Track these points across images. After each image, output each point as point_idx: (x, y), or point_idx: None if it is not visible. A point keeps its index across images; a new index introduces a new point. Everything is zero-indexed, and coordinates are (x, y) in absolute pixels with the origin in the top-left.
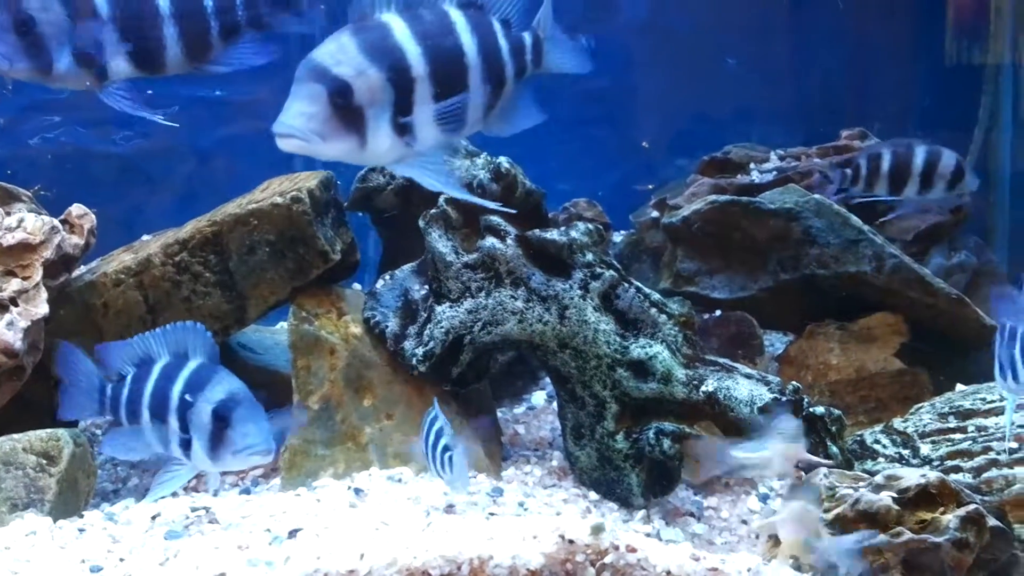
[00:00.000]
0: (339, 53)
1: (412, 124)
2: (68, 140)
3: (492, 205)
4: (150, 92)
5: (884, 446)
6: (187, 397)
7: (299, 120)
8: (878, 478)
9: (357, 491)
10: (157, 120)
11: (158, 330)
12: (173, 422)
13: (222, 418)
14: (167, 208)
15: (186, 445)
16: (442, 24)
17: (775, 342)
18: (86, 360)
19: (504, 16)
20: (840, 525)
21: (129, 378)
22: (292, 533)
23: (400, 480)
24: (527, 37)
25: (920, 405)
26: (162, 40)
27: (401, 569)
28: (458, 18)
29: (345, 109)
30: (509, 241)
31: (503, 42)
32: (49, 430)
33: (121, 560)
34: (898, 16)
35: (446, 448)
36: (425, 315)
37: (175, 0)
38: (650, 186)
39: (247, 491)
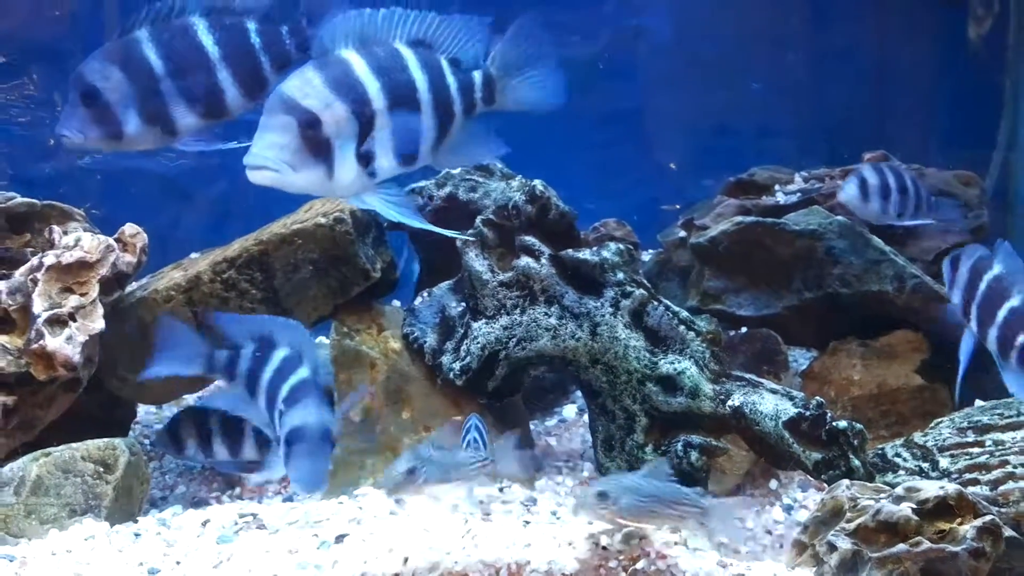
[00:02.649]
0: (306, 87)
1: (373, 155)
2: (116, 160)
3: (450, 233)
4: None
5: (904, 459)
6: (282, 407)
7: (271, 151)
8: (898, 490)
9: (397, 500)
10: (233, 146)
11: (279, 319)
12: (276, 422)
13: (288, 443)
14: (213, 226)
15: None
16: (396, 60)
17: (799, 358)
18: (187, 328)
19: (452, 55)
20: (862, 535)
21: (249, 351)
22: (339, 538)
23: None
24: (477, 76)
25: (939, 420)
26: (219, 85)
27: (443, 573)
28: (409, 55)
29: (314, 140)
30: (543, 260)
31: (451, 79)
32: (106, 440)
33: (177, 563)
34: (919, 39)
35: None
36: (462, 331)
37: (224, 45)
38: (677, 206)
39: (290, 499)
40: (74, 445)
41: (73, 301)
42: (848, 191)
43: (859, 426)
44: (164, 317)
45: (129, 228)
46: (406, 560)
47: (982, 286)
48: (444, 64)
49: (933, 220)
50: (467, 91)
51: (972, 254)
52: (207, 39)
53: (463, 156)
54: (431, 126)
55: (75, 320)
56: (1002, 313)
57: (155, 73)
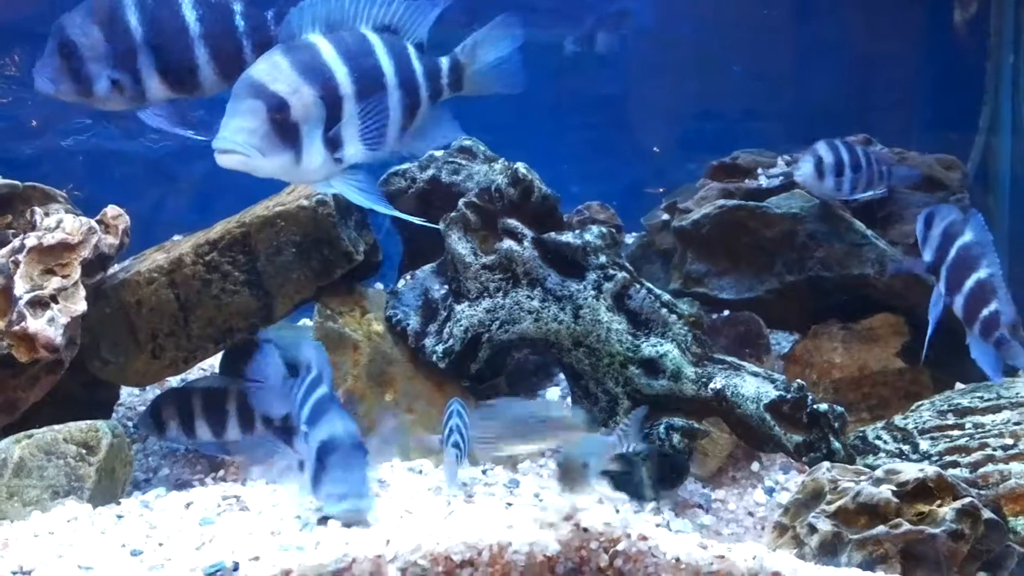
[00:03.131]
0: (274, 71)
1: (340, 141)
2: (99, 141)
3: (418, 220)
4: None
5: (885, 442)
6: (304, 428)
7: (240, 135)
8: (878, 472)
9: (380, 482)
10: (191, 137)
11: (306, 342)
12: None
13: (320, 459)
14: (195, 208)
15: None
16: (363, 46)
17: (781, 341)
18: (280, 363)
19: (417, 40)
20: (842, 517)
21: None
22: (322, 520)
23: (420, 472)
24: (445, 62)
25: (920, 403)
26: (194, 61)
27: (425, 554)
28: (376, 41)
29: (283, 125)
30: (526, 243)
31: (417, 65)
32: (88, 421)
33: (160, 545)
34: (902, 23)
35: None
36: (445, 313)
37: (205, 22)
38: (660, 189)
39: (274, 480)
40: (56, 427)
41: (55, 283)
42: (804, 170)
43: (840, 409)
44: (265, 349)
45: (111, 210)
46: (388, 542)
47: (952, 251)
48: (410, 50)
49: (887, 189)
50: (434, 77)
51: (946, 216)
52: (190, 13)
53: (427, 141)
54: (398, 112)
55: (57, 302)
56: (969, 283)
57: (133, 38)
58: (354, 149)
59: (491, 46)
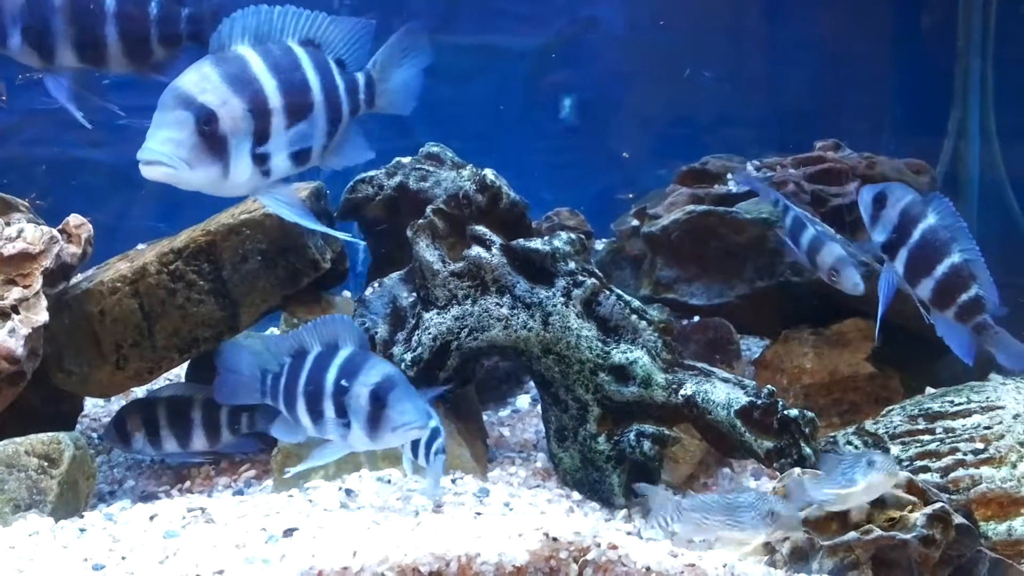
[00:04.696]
0: (203, 82)
1: (268, 154)
2: (63, 149)
3: (341, 235)
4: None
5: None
6: (343, 383)
7: (167, 147)
8: None
9: (348, 492)
10: (78, 118)
11: (310, 324)
12: (329, 407)
13: (379, 399)
14: (159, 217)
15: (343, 427)
16: (290, 59)
17: (751, 347)
18: (247, 354)
19: (338, 56)
20: (813, 523)
21: (286, 368)
22: (287, 532)
23: (390, 481)
24: (361, 77)
25: (891, 408)
26: (104, 37)
27: (392, 566)
28: (302, 55)
29: (210, 137)
30: (494, 250)
31: (339, 80)
32: (50, 434)
33: (123, 559)
34: (871, 28)
35: (437, 451)
36: (413, 321)
37: (120, 1)
38: (630, 195)
39: (240, 492)
40: (18, 439)
41: (16, 293)
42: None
43: (810, 414)
44: (225, 344)
45: (74, 219)
46: (355, 553)
47: (916, 234)
48: (332, 65)
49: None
50: (353, 93)
51: (901, 196)
52: None
53: (343, 158)
54: (323, 126)
55: (18, 312)
56: (941, 268)
57: (50, 2)
58: (281, 163)
59: (399, 64)
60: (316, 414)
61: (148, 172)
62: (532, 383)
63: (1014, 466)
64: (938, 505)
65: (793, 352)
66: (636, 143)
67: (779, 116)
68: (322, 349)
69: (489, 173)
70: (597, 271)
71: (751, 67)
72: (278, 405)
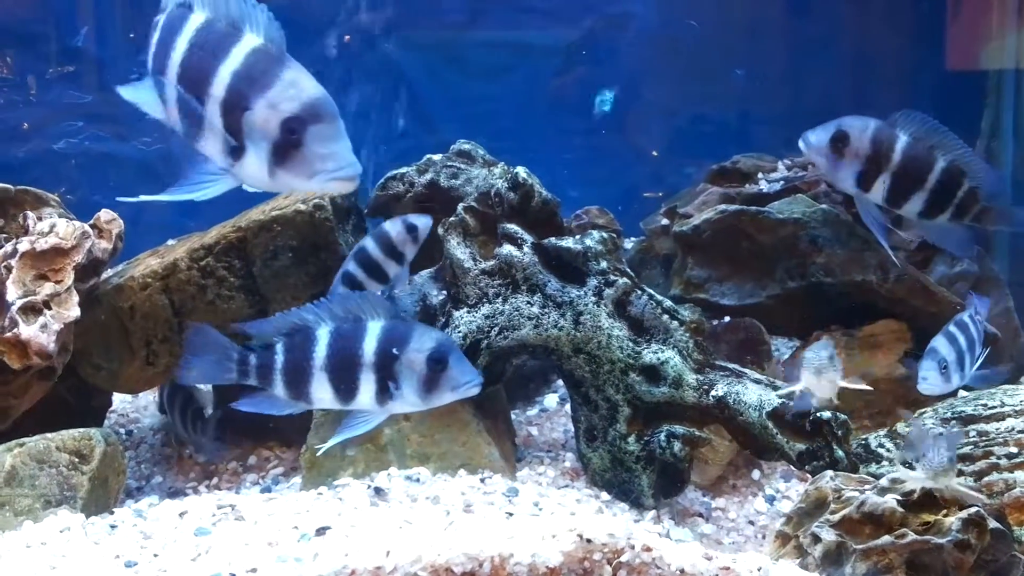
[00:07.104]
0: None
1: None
2: (91, 144)
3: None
4: None
5: (888, 450)
6: (393, 351)
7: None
8: (883, 481)
9: (378, 490)
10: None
11: (313, 303)
12: (367, 377)
13: (440, 362)
14: (188, 212)
15: (383, 395)
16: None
17: (782, 348)
18: (217, 335)
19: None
20: (846, 526)
21: (280, 346)
22: (320, 531)
23: (418, 480)
24: None
25: (923, 410)
26: None
27: (426, 566)
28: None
29: None
30: (526, 249)
31: None
32: (82, 430)
33: (155, 556)
34: (901, 26)
35: None
36: (443, 320)
37: None
38: (660, 194)
39: (268, 489)
40: (49, 435)
41: (48, 288)
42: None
43: (843, 416)
44: (193, 326)
45: (105, 214)
46: (388, 553)
47: (896, 157)
48: None
49: None
50: None
51: (863, 126)
52: None
53: None
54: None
55: (50, 308)
56: (933, 176)
57: None
58: None
59: None
60: (347, 385)
61: (351, 185)
62: (560, 382)
63: None
64: (973, 509)
65: None
66: (665, 141)
67: (810, 115)
68: (340, 324)
69: (521, 171)
70: (629, 271)
71: (782, 65)
72: (266, 383)
